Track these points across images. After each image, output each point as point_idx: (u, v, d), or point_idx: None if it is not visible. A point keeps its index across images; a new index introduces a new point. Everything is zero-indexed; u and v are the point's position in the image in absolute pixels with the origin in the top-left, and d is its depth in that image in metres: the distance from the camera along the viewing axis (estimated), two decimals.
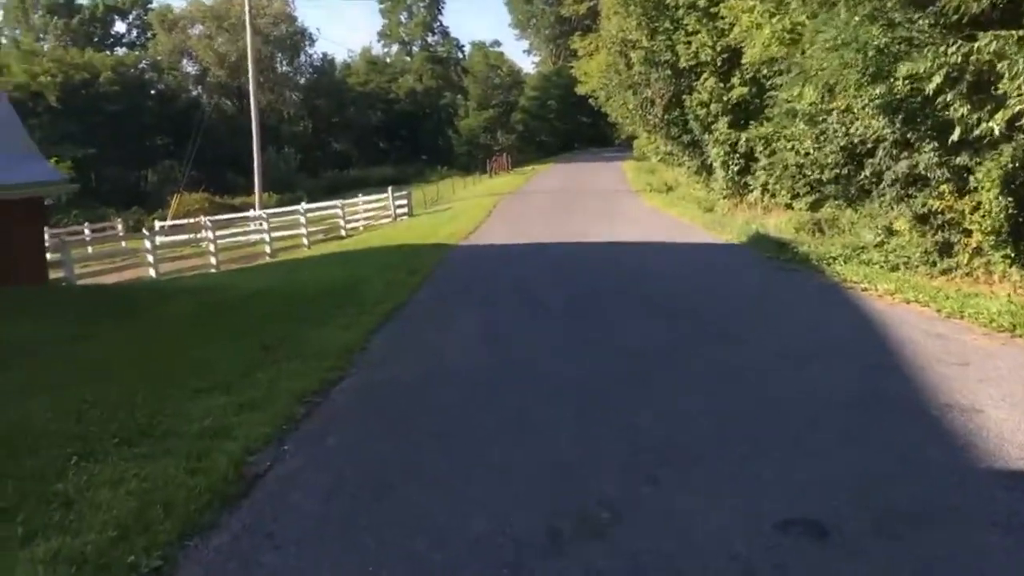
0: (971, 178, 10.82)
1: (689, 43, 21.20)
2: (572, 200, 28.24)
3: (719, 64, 21.21)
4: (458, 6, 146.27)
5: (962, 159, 10.52)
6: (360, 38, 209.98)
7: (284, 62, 65.66)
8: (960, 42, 8.12)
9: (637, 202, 27.88)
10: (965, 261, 11.77)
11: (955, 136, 9.26)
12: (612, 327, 8.10)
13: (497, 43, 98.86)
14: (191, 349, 7.67)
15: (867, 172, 12.75)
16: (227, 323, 9.10)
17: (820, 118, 13.73)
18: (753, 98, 20.73)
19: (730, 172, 21.85)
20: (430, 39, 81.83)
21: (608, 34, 25.41)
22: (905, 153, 11.61)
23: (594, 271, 12.41)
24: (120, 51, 65.65)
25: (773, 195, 20.19)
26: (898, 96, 10.72)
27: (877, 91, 10.81)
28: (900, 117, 11.07)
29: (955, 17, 8.32)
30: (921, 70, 8.56)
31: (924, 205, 11.77)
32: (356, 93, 70.85)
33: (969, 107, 8.77)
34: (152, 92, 58.26)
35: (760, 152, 20.16)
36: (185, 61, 65.20)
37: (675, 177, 33.02)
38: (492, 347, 7.41)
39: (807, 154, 13.92)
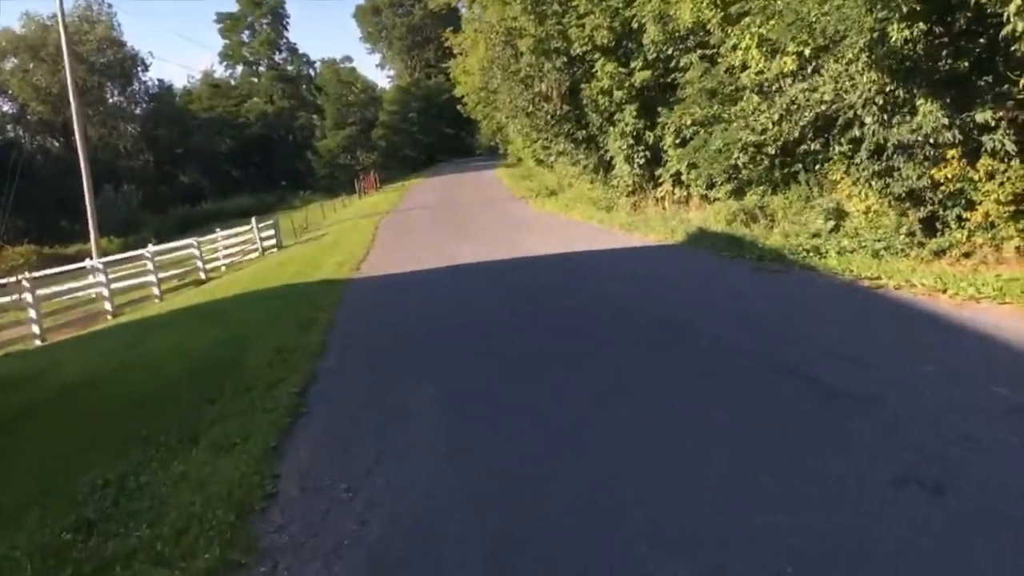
0: (987, 139, 9.04)
1: (582, 26, 19.04)
2: (460, 213, 25.58)
3: (616, 47, 19.21)
4: (303, 22, 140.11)
5: (984, 115, 8.65)
6: (200, 61, 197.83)
7: (115, 92, 59.32)
8: None
9: (529, 208, 25.59)
10: (963, 239, 10.04)
11: None
12: (642, 390, 5.47)
13: (348, 59, 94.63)
14: None
15: (844, 143, 10.81)
16: (25, 457, 5.72)
17: (774, 86, 11.75)
18: (658, 80, 18.88)
19: (634, 166, 19.89)
20: (277, 57, 76.94)
21: (488, 25, 22.90)
22: (898, 117, 9.68)
23: (543, 294, 9.78)
24: None
25: (687, 187, 18.42)
26: (897, 44, 8.77)
27: (863, 40, 8.84)
28: (902, 71, 9.14)
29: None
30: None
31: (920, 177, 9.93)
32: (201, 120, 65.42)
33: None
34: None
35: (669, 143, 18.33)
36: (0, 99, 57.78)
37: (557, 180, 31.18)
38: (489, 466, 4.53)
39: (764, 131, 11.83)
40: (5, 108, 57.66)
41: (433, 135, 79.85)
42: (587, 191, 25.63)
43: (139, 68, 60.60)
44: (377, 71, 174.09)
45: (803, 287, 8.53)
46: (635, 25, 18.32)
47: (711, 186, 17.45)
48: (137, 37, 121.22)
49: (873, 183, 10.75)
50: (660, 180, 19.30)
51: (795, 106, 10.92)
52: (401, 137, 79.21)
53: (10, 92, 55.42)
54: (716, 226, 14.58)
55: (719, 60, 16.16)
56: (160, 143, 61.00)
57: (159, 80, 70.07)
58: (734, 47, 13.97)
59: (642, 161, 19.57)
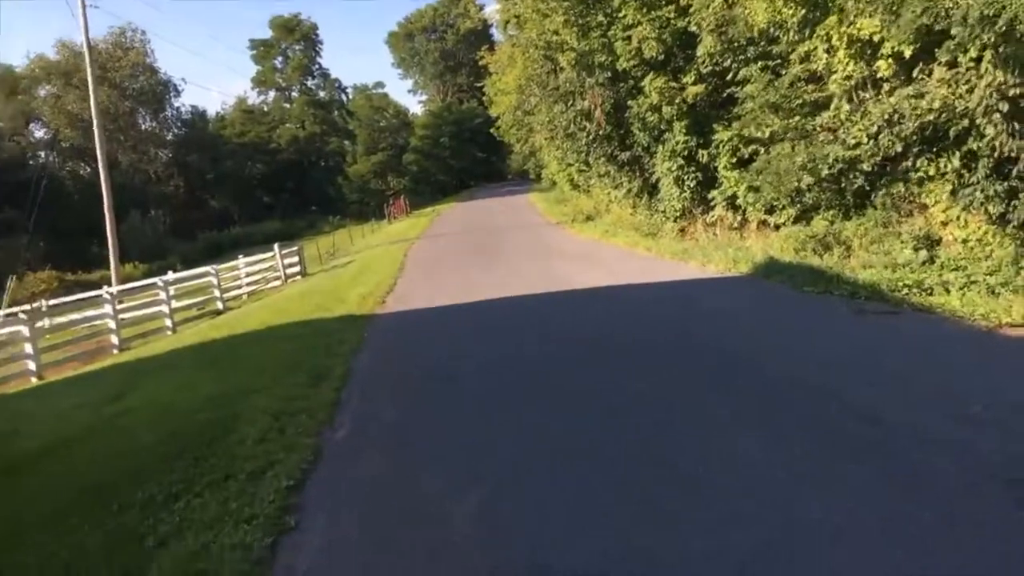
0: None
1: (629, 38, 17.55)
2: (495, 240, 24.06)
3: (666, 60, 17.71)
4: (336, 48, 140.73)
5: None
6: (233, 87, 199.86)
7: (147, 117, 59.06)
8: None
9: (567, 234, 24.00)
10: None
11: None
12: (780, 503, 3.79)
13: (380, 84, 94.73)
14: None
15: (956, 160, 9.09)
16: None
17: (866, 95, 10.09)
18: (712, 95, 17.39)
19: (684, 189, 18.33)
20: (309, 83, 76.58)
21: (527, 39, 21.45)
22: None
23: (607, 341, 8.10)
24: None
25: (743, 211, 16.84)
26: None
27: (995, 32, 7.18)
28: None
29: None
30: None
31: None
32: (233, 145, 64.89)
33: None
34: None
35: (724, 163, 16.82)
36: (34, 125, 57.72)
37: (593, 204, 29.71)
38: None
39: (857, 144, 10.14)
40: (38, 134, 57.65)
41: (464, 160, 78.91)
42: (628, 216, 24.08)
43: (171, 94, 60.42)
44: (409, 96, 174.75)
45: (936, 337, 6.77)
46: (689, 35, 16.93)
47: (771, 211, 15.89)
48: (171, 63, 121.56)
49: (990, 207, 9.03)
50: (712, 204, 17.74)
51: (897, 116, 9.21)
52: (432, 162, 78.30)
53: (43, 119, 55.36)
54: (784, 255, 12.93)
55: (783, 72, 14.61)
56: (191, 169, 60.56)
57: (192, 106, 70.13)
58: (806, 54, 12.40)
59: (693, 183, 18.05)
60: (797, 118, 11.84)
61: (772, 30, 13.11)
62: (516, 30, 30.46)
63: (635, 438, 5.04)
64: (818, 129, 11.03)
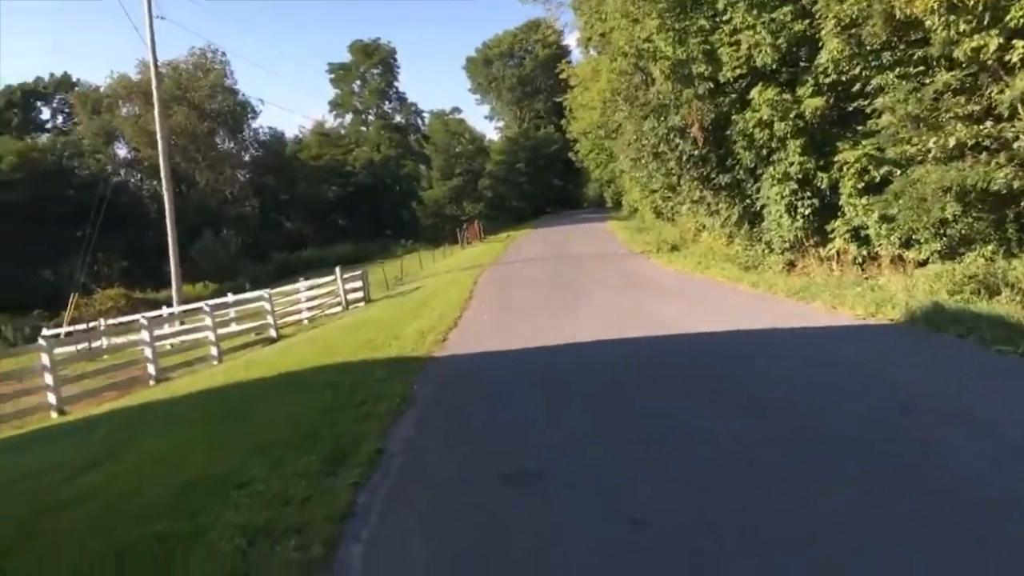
0: None
1: (736, 44, 15.20)
2: (573, 269, 21.87)
3: (777, 70, 15.32)
4: (414, 72, 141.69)
5: None
6: (311, 108, 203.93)
7: (225, 138, 59.27)
8: None
9: (653, 265, 21.61)
10: None
11: None
12: None
13: (457, 110, 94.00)
14: None
15: None
16: None
17: None
18: (833, 109, 14.99)
19: (797, 217, 15.82)
20: (386, 107, 76.47)
21: (615, 48, 19.22)
22: None
23: (737, 411, 5.79)
24: (44, 138, 59.15)
25: (874, 245, 14.35)
26: None
27: None
28: None
29: None
30: None
31: None
32: (309, 168, 64.70)
33: None
34: (73, 180, 51.13)
35: (849, 188, 14.38)
36: (117, 144, 58.52)
37: (679, 233, 27.26)
38: None
39: None
40: (121, 152, 58.33)
41: (540, 186, 77.43)
42: (722, 247, 21.59)
43: (249, 115, 60.58)
44: (486, 122, 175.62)
45: None
46: (805, 39, 14.58)
47: (907, 244, 13.37)
48: (250, 85, 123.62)
49: None
50: (832, 235, 15.22)
51: None
52: (508, 188, 76.97)
53: (124, 138, 56.08)
54: (938, 299, 10.33)
55: (928, 80, 12.15)
56: (266, 190, 60.50)
57: (270, 128, 70.59)
58: (975, 51, 9.92)
59: (807, 211, 15.54)
60: (953, 131, 9.32)
61: (927, 22, 10.68)
62: (598, 49, 28.41)
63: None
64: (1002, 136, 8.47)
